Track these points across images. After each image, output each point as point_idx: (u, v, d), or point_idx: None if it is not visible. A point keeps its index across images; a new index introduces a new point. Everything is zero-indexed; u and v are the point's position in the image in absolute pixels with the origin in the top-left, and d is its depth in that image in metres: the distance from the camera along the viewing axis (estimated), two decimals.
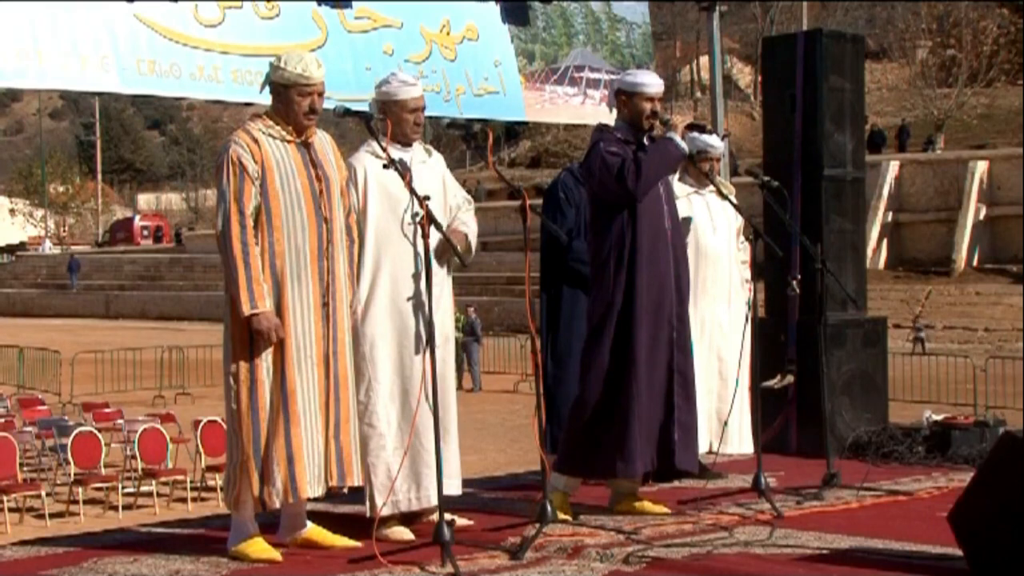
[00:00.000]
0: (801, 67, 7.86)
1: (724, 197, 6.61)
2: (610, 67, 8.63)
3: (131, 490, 12.51)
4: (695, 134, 6.54)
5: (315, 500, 5.25)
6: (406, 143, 5.49)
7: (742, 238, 6.90)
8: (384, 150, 5.14)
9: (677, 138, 5.75)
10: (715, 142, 6.68)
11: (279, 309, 4.97)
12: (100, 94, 6.82)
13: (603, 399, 5.66)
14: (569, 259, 6.63)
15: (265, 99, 5.28)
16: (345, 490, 5.17)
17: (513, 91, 8.05)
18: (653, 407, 5.69)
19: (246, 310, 4.89)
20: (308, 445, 4.99)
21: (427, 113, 5.75)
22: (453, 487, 5.45)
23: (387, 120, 5.46)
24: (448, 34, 7.67)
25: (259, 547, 5.03)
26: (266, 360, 4.97)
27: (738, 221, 6.83)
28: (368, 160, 5.32)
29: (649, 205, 5.73)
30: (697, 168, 6.56)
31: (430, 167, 5.57)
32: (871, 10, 56.05)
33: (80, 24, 6.17)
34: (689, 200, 6.43)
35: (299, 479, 4.96)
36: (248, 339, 4.95)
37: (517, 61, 8.10)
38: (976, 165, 33.15)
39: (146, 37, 6.37)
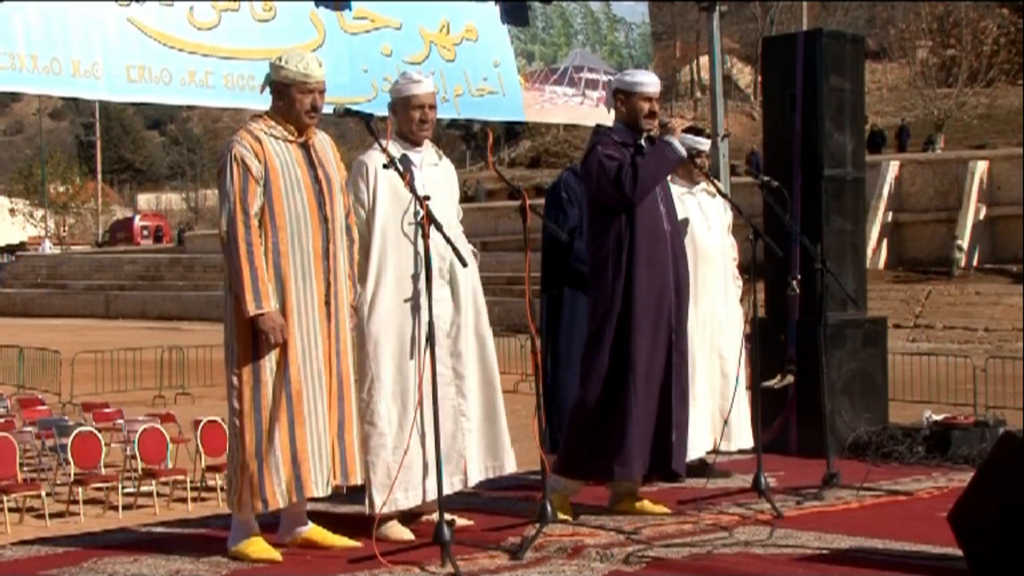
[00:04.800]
0: (801, 67, 7.86)
1: (718, 194, 6.65)
2: (609, 68, 8.63)
3: (131, 490, 12.49)
4: (685, 134, 6.55)
5: (315, 500, 5.25)
6: (415, 142, 5.50)
7: (731, 234, 6.94)
8: (383, 150, 5.15)
9: (675, 142, 5.75)
10: (700, 139, 6.69)
11: (283, 309, 4.98)
12: (89, 101, 6.83)
13: (602, 402, 5.66)
14: (571, 259, 6.64)
15: (258, 103, 5.28)
16: (344, 490, 5.17)
17: (512, 92, 8.04)
18: (650, 408, 5.69)
19: (251, 310, 4.89)
20: (313, 444, 5.00)
21: None
22: (509, 464, 5.61)
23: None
24: (447, 34, 7.67)
25: (259, 547, 5.03)
26: (270, 360, 4.97)
27: (728, 217, 6.86)
28: (379, 158, 5.32)
29: (647, 207, 5.73)
30: (697, 167, 6.57)
31: (442, 169, 5.59)
32: (871, 10, 56.03)
33: (74, 28, 6.15)
34: (682, 201, 6.44)
35: (304, 478, 4.97)
36: (252, 339, 4.96)
37: (516, 61, 8.09)
38: (976, 165, 33.11)
39: (138, 42, 6.34)
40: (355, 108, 5.75)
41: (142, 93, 6.50)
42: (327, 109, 5.33)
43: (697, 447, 6.37)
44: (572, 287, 6.66)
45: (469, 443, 5.50)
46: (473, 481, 5.55)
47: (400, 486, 5.28)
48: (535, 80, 8.22)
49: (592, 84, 8.54)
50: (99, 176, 72.88)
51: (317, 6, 7.01)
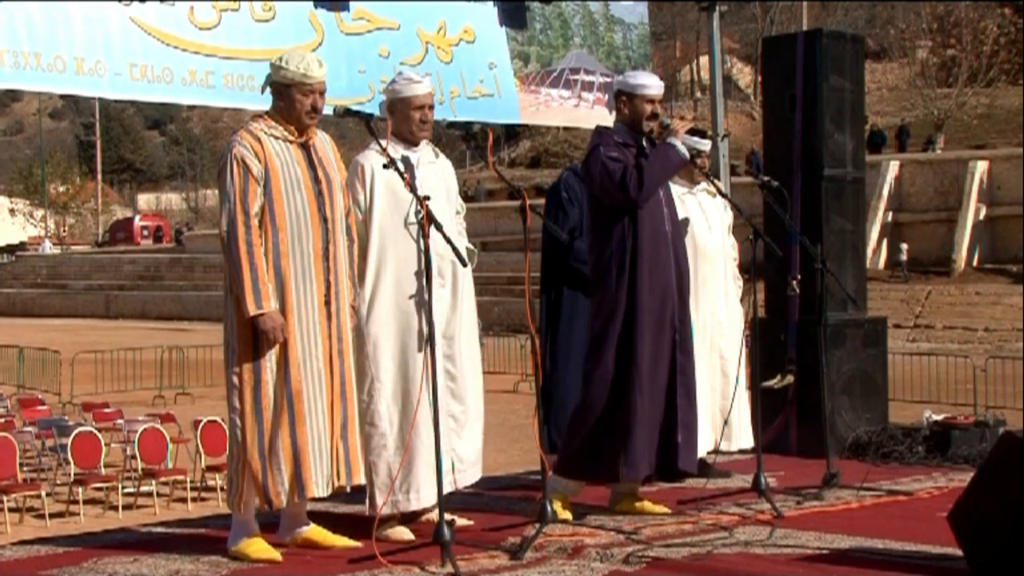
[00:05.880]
0: (801, 67, 7.86)
1: (718, 194, 6.65)
2: (606, 69, 8.63)
3: (131, 490, 12.49)
4: (685, 135, 6.56)
5: (315, 500, 5.25)
6: (413, 142, 5.49)
7: (731, 234, 6.95)
8: (383, 150, 5.15)
9: (678, 143, 5.74)
10: (702, 139, 6.70)
11: (283, 309, 4.98)
12: (90, 99, 6.86)
13: (606, 404, 5.66)
14: (571, 259, 6.64)
15: (258, 103, 5.28)
16: (348, 489, 5.18)
17: (508, 94, 8.05)
18: (655, 409, 5.69)
19: (251, 310, 4.88)
20: (314, 445, 5.00)
21: None
22: (473, 475, 5.57)
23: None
24: (444, 36, 7.67)
25: (259, 547, 5.03)
26: (270, 360, 4.97)
27: (728, 217, 6.86)
28: (375, 159, 5.33)
29: (650, 208, 5.72)
30: (698, 168, 6.57)
31: (438, 168, 5.58)
32: (871, 10, 56.04)
33: (77, 27, 6.17)
34: (682, 201, 6.45)
35: (305, 478, 4.97)
36: (252, 339, 4.96)
37: (512, 63, 8.10)
38: (976, 165, 33.14)
39: (140, 41, 6.36)
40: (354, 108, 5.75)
41: (144, 92, 6.52)
42: (326, 110, 5.33)
43: (699, 447, 6.37)
44: (572, 287, 6.66)
45: (457, 446, 5.50)
46: (462, 484, 5.55)
47: (402, 487, 5.28)
48: (530, 82, 8.23)
49: (588, 86, 8.54)
50: (99, 176, 72.89)
51: (316, 7, 7.01)
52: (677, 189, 6.44)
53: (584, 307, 6.26)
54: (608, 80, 8.42)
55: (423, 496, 5.31)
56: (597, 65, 8.63)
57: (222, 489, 11.65)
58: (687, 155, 5.80)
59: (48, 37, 6.07)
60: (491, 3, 7.94)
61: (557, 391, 6.55)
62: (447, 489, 5.38)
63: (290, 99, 5.08)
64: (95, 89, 6.44)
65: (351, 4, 7.16)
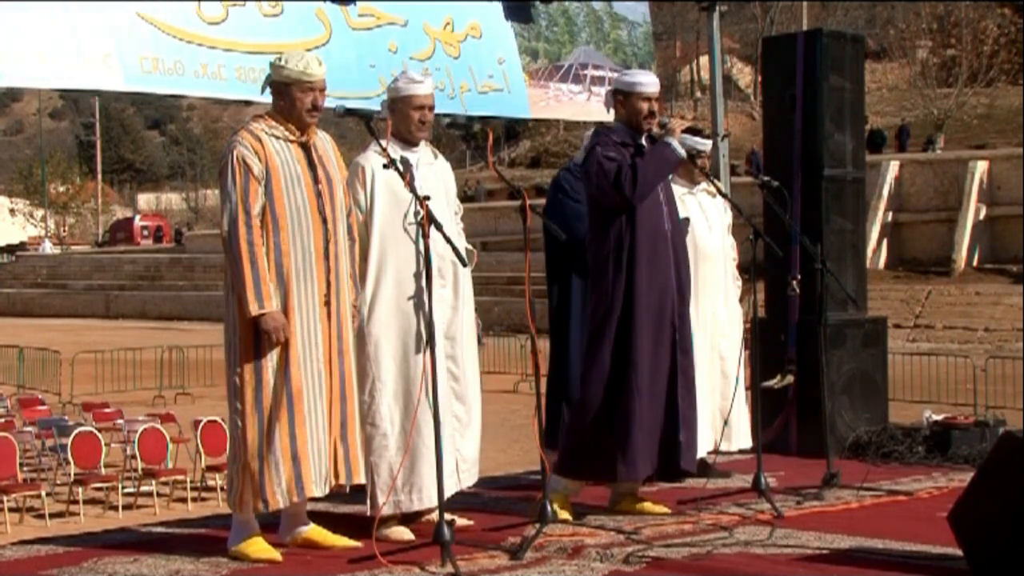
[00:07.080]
0: (801, 67, 7.86)
1: (719, 194, 6.65)
2: (614, 65, 8.64)
3: (131, 490, 12.49)
4: (685, 135, 6.56)
5: (315, 500, 5.25)
6: (412, 142, 5.49)
7: (731, 234, 6.95)
8: (383, 150, 5.15)
9: (674, 142, 5.74)
10: (701, 139, 6.70)
11: (285, 309, 4.98)
12: (103, 92, 6.80)
13: (604, 402, 5.66)
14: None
15: (266, 99, 5.29)
16: (347, 489, 5.18)
17: (517, 88, 8.06)
18: (655, 409, 5.69)
19: (253, 310, 4.89)
20: (313, 444, 5.00)
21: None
22: (473, 475, 5.56)
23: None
24: (451, 31, 7.67)
25: (259, 547, 5.04)
26: (272, 360, 4.97)
27: (728, 217, 6.87)
28: (375, 159, 5.34)
29: (648, 207, 5.72)
30: (698, 168, 6.57)
31: (437, 169, 5.58)
32: (871, 10, 56.04)
33: (83, 22, 6.16)
34: (683, 201, 6.46)
35: (304, 478, 4.97)
36: (253, 339, 4.96)
37: (521, 59, 8.10)
38: (976, 165, 33.10)
39: (149, 35, 6.37)
40: (362, 104, 5.75)
41: (157, 84, 6.50)
42: (330, 104, 5.33)
43: (698, 447, 6.37)
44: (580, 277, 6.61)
45: (461, 446, 5.51)
46: (465, 484, 5.55)
47: (405, 487, 5.28)
48: (540, 77, 8.24)
49: (597, 81, 8.55)
50: (99, 176, 72.87)
51: (323, 1, 7.01)
52: (677, 190, 6.44)
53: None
54: (616, 75, 8.45)
55: (426, 496, 5.31)
56: (606, 60, 8.65)
57: (222, 489, 11.65)
58: (683, 154, 5.80)
59: (53, 34, 6.07)
60: (495, 1, 7.95)
61: (567, 391, 6.51)
62: (453, 489, 5.39)
63: (291, 98, 5.08)
64: (106, 83, 6.41)
65: (356, 0, 7.16)
